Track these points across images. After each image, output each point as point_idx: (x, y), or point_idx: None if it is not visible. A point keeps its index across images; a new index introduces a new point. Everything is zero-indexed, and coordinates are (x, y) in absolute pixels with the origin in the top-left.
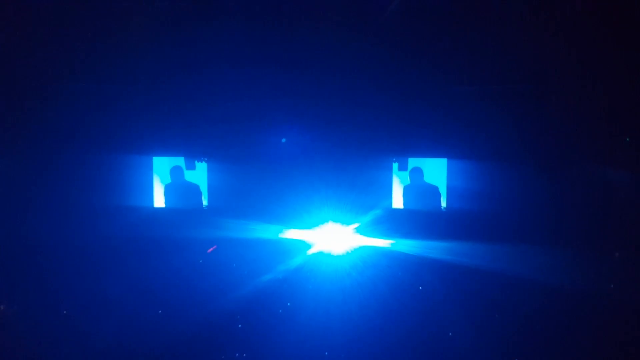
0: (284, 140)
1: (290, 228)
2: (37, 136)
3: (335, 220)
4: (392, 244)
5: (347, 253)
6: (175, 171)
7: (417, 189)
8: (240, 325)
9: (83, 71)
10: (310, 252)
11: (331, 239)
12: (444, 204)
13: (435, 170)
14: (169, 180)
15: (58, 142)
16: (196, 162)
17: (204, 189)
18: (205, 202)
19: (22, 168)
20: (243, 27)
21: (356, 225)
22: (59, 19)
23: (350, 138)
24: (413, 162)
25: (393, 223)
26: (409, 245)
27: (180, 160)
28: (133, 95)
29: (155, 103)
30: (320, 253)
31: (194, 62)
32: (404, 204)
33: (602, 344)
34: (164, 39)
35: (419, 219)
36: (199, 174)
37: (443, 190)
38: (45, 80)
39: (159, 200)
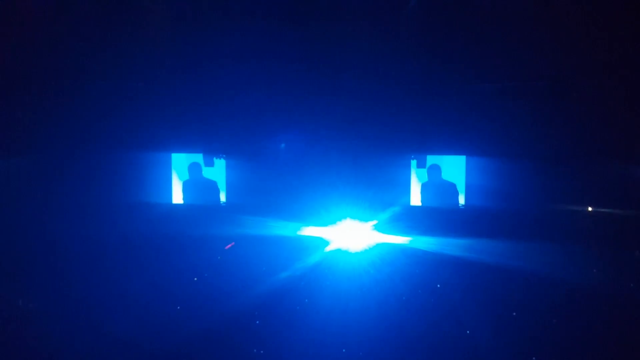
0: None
1: (308, 225)
2: (56, 134)
3: (353, 218)
4: (410, 241)
5: (365, 250)
6: (194, 168)
7: (435, 186)
8: (258, 322)
9: (102, 69)
10: (328, 249)
11: (349, 236)
12: (462, 201)
13: (454, 168)
14: (187, 177)
15: (77, 140)
16: (214, 159)
17: (222, 185)
18: (223, 199)
19: (42, 166)
20: (264, 25)
21: (374, 222)
22: (78, 17)
23: (368, 135)
24: (431, 159)
25: (411, 220)
26: (427, 243)
27: (198, 157)
28: (152, 92)
29: (174, 100)
30: (338, 250)
31: (213, 59)
32: (422, 201)
33: (621, 343)
34: (184, 36)
35: (436, 216)
36: (217, 171)
37: (461, 188)
38: (64, 78)
39: (177, 197)
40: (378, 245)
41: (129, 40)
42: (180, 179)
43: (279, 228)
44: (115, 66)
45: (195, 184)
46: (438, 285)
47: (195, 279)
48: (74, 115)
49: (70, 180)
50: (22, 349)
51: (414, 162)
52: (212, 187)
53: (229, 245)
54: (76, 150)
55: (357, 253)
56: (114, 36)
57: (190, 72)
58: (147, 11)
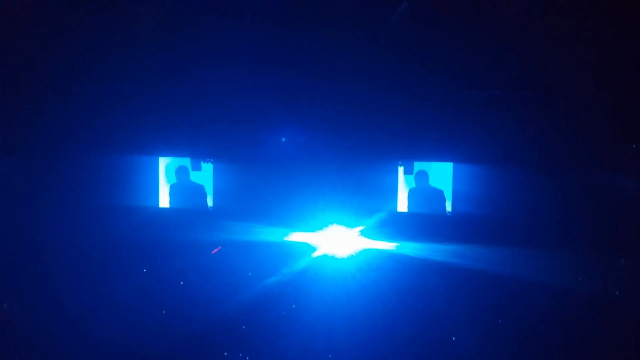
0: (283, 139)
1: (295, 230)
2: (41, 136)
3: (340, 223)
4: (396, 247)
5: (352, 256)
6: (181, 171)
7: (423, 193)
8: (244, 327)
9: (89, 71)
10: (315, 254)
11: (336, 242)
12: (449, 207)
13: (441, 174)
14: (174, 181)
15: (63, 142)
16: (202, 162)
17: (209, 190)
18: (210, 203)
19: (26, 168)
20: (250, 28)
21: (361, 228)
22: (66, 18)
23: (356, 141)
24: (419, 165)
25: (398, 226)
26: (413, 249)
27: (186, 161)
28: (139, 95)
29: (162, 103)
30: (325, 256)
31: (200, 62)
32: (409, 207)
33: (606, 350)
34: (171, 38)
35: (423, 223)
36: (205, 175)
37: (448, 194)
38: (51, 79)
39: (164, 201)
40: (365, 251)
41: (117, 42)
42: (168, 182)
43: (266, 233)
44: (102, 68)
45: (182, 188)
46: (425, 292)
47: (182, 282)
48: (59, 118)
49: (55, 183)
50: (6, 352)
51: (401, 168)
52: (200, 191)
53: (216, 250)
54: (61, 153)
55: (344, 259)
56: (101, 38)
57: (178, 75)
58: (135, 14)
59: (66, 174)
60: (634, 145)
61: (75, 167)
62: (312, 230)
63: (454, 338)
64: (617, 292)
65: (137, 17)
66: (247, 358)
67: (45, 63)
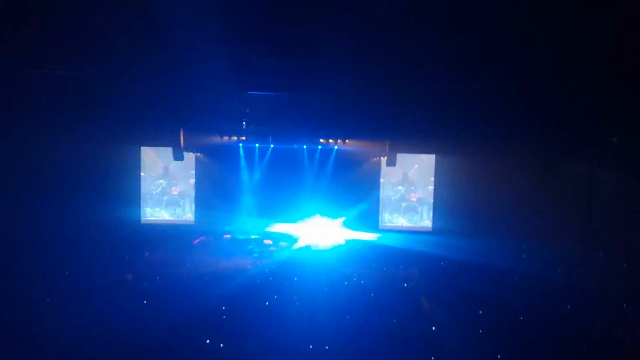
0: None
1: (277, 221)
2: (26, 125)
3: (322, 214)
4: (378, 238)
5: (334, 247)
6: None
7: (405, 184)
8: (224, 317)
9: (74, 61)
10: (297, 245)
11: (318, 233)
12: (431, 199)
13: (424, 166)
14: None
15: (49, 132)
16: (184, 153)
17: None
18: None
19: (9, 158)
20: (233, 20)
21: (343, 219)
22: (49, 8)
23: (339, 133)
24: (402, 157)
25: (380, 217)
26: (394, 239)
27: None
28: (125, 84)
29: (146, 93)
30: (308, 246)
31: (185, 53)
32: (392, 199)
33: (579, 339)
34: (158, 30)
35: (406, 214)
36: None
37: (431, 186)
38: (33, 67)
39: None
40: (347, 242)
41: (103, 33)
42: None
43: (248, 224)
44: (89, 58)
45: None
46: (405, 285)
47: (164, 273)
48: (43, 107)
49: (36, 174)
50: None
51: (384, 160)
52: None
53: (198, 240)
54: (46, 141)
55: (326, 249)
56: (86, 29)
57: (163, 66)
58: (121, 4)
59: (50, 164)
60: (614, 139)
61: (57, 158)
62: (295, 221)
63: (434, 327)
64: (594, 285)
65: (124, 9)
66: (229, 347)
67: (26, 50)
